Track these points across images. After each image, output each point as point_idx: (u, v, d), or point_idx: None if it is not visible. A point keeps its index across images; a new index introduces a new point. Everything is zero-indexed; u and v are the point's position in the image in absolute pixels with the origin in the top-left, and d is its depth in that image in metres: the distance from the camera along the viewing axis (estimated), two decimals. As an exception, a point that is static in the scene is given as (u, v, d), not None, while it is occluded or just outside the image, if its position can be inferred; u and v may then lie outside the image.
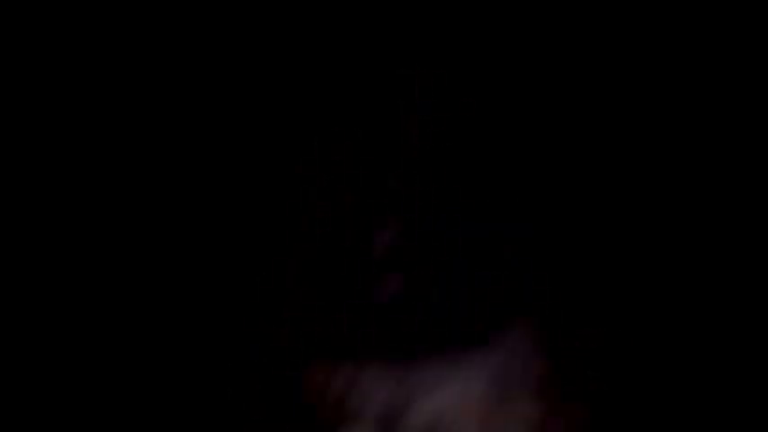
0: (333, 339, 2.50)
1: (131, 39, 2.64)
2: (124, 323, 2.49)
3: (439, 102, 2.84)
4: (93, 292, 2.50)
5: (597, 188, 2.66)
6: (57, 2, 2.61)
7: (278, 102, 2.71)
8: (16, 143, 2.57)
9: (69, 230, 2.54)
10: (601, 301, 2.52)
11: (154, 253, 2.54)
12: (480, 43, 2.82)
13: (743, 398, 2.42)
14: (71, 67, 2.62)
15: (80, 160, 2.58)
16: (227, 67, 2.68)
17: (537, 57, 2.82)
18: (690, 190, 2.61)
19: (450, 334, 2.49)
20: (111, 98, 2.62)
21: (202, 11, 2.66)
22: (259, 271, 2.55)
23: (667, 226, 2.58)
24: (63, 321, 2.49)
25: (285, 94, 2.72)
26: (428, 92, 2.82)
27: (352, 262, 2.60)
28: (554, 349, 2.46)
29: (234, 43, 2.68)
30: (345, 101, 2.76)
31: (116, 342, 2.48)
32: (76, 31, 2.62)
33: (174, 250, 2.55)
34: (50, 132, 2.60)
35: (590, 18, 2.80)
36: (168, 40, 2.64)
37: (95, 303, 2.49)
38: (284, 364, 2.46)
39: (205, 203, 2.60)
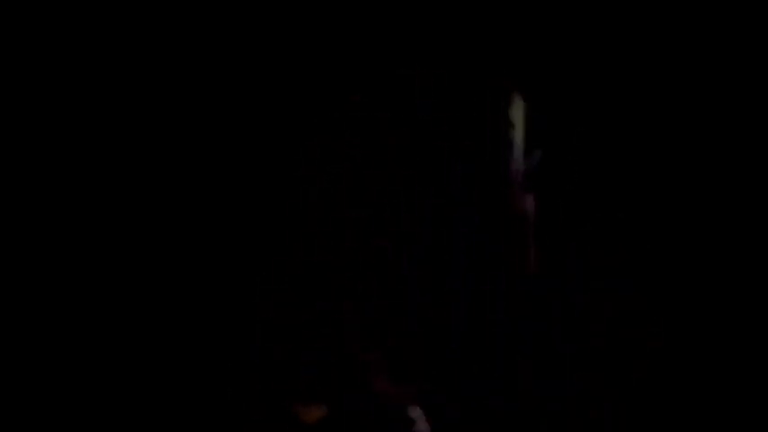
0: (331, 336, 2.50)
1: (131, 39, 2.64)
2: (124, 323, 2.49)
3: (439, 102, 2.84)
4: (93, 292, 2.50)
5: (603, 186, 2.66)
6: (57, 2, 2.61)
7: (278, 102, 2.71)
8: (16, 143, 2.56)
9: (69, 230, 2.53)
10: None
11: (153, 253, 2.54)
12: (480, 43, 2.81)
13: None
14: (71, 67, 2.61)
15: (80, 160, 2.58)
16: (227, 67, 2.68)
17: (537, 57, 2.82)
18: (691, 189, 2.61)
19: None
20: (111, 98, 2.61)
21: (202, 11, 2.66)
22: (259, 271, 2.55)
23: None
24: (63, 321, 2.48)
25: (285, 95, 2.72)
26: (428, 92, 2.82)
27: (352, 262, 2.60)
28: None
29: (233, 43, 2.68)
30: (345, 101, 2.76)
31: (116, 342, 2.47)
32: (76, 31, 2.61)
33: (173, 250, 2.55)
34: (50, 132, 2.59)
35: (591, 18, 2.79)
36: (168, 40, 2.64)
37: (95, 303, 2.49)
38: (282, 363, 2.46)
39: (205, 204, 2.60)
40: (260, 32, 2.69)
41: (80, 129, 2.60)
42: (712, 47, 2.69)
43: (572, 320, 2.45)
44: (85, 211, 2.55)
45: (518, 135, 2.62)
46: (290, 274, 2.54)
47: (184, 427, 2.45)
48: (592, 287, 2.49)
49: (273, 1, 2.70)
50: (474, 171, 2.78)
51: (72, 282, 2.50)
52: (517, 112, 2.63)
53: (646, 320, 2.47)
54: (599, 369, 2.42)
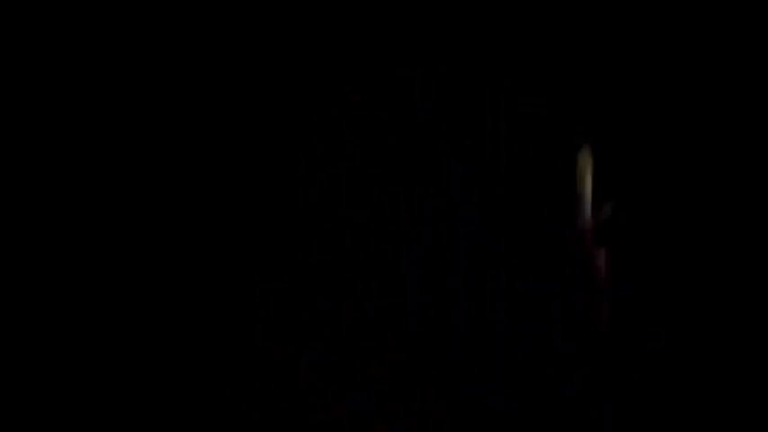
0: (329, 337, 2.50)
1: (131, 39, 2.64)
2: (123, 323, 2.49)
3: (439, 102, 2.84)
4: (93, 292, 2.50)
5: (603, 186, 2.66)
6: (57, 2, 2.61)
7: (278, 102, 2.71)
8: (16, 143, 2.57)
9: (68, 230, 2.53)
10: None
11: (153, 253, 2.54)
12: (480, 43, 2.81)
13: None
14: (71, 67, 2.61)
15: (79, 160, 2.58)
16: (226, 67, 2.68)
17: (539, 57, 2.82)
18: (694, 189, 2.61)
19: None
20: (110, 98, 2.61)
21: (202, 11, 2.66)
22: (259, 271, 2.55)
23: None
24: (63, 321, 2.48)
25: (285, 95, 2.72)
26: (428, 92, 2.82)
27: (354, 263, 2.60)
28: None
29: (233, 43, 2.68)
30: (345, 101, 2.76)
31: (116, 342, 2.47)
32: (76, 32, 2.61)
33: (173, 250, 2.55)
34: (50, 132, 2.59)
35: (593, 18, 2.79)
36: (168, 40, 2.64)
37: (95, 303, 2.49)
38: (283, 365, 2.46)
39: (204, 204, 2.60)
40: (260, 32, 2.69)
41: (79, 128, 2.59)
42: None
43: (572, 320, 2.45)
44: (85, 211, 2.55)
45: (587, 188, 2.55)
46: (290, 274, 2.54)
47: (184, 427, 2.45)
48: (591, 287, 2.48)
49: (273, 1, 2.70)
50: (474, 171, 2.78)
51: (71, 281, 2.50)
52: (585, 165, 2.57)
53: (646, 320, 2.47)
54: (599, 369, 2.42)
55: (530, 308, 2.45)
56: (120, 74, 2.63)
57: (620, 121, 2.70)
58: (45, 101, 2.59)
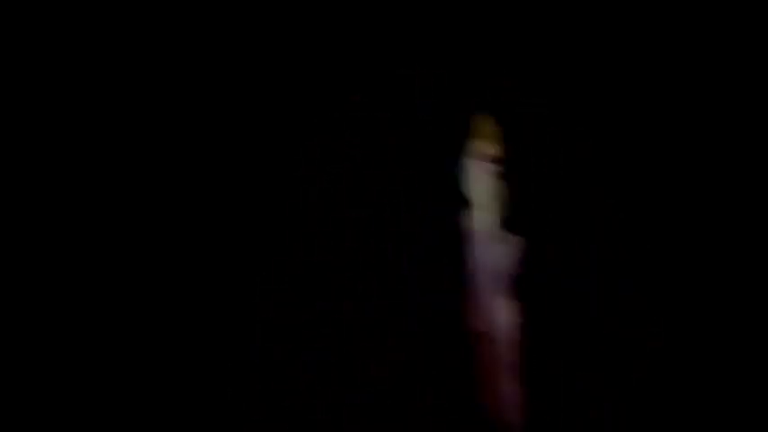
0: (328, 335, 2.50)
1: (133, 40, 2.64)
2: (125, 323, 2.49)
3: (439, 102, 2.84)
4: (94, 292, 2.50)
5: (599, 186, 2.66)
6: (57, 2, 2.61)
7: (278, 102, 2.71)
8: (16, 143, 2.57)
9: (70, 230, 2.54)
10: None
11: (154, 253, 2.54)
12: (479, 44, 2.81)
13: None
14: (71, 67, 2.62)
15: (81, 160, 2.58)
16: (228, 68, 2.68)
17: (536, 57, 2.82)
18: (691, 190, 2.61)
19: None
20: (113, 99, 2.61)
21: (203, 12, 2.66)
22: (259, 271, 2.55)
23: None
24: (63, 321, 2.48)
25: (285, 95, 2.72)
26: (428, 92, 2.82)
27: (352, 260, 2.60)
28: None
29: (234, 44, 2.68)
30: (345, 101, 2.76)
31: (117, 342, 2.47)
32: (76, 32, 2.62)
33: (174, 250, 2.55)
34: (51, 132, 2.59)
35: (590, 19, 2.79)
36: (169, 41, 2.64)
37: (96, 303, 2.49)
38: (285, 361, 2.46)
39: (205, 204, 2.60)
40: (261, 33, 2.69)
41: (81, 129, 2.60)
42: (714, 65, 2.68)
43: (573, 320, 2.45)
44: (86, 212, 2.55)
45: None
46: (290, 274, 2.54)
47: (184, 427, 2.45)
48: (593, 287, 2.49)
49: (274, 2, 2.70)
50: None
51: (72, 282, 2.51)
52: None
53: (646, 320, 2.47)
54: (599, 369, 2.42)
55: (531, 308, 2.45)
56: (123, 75, 2.63)
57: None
58: (46, 101, 2.59)
